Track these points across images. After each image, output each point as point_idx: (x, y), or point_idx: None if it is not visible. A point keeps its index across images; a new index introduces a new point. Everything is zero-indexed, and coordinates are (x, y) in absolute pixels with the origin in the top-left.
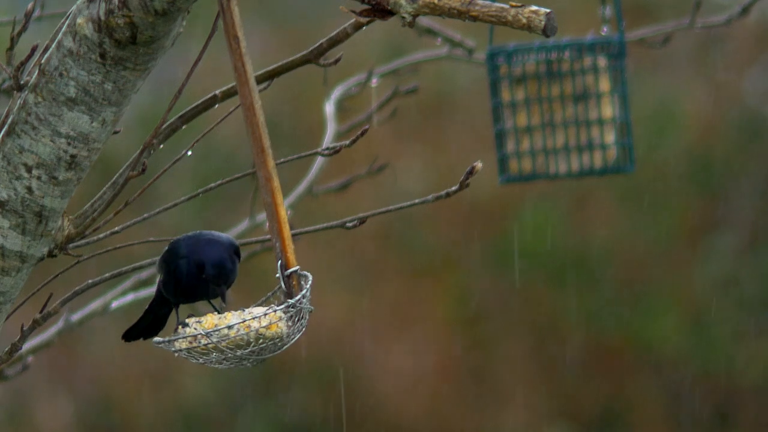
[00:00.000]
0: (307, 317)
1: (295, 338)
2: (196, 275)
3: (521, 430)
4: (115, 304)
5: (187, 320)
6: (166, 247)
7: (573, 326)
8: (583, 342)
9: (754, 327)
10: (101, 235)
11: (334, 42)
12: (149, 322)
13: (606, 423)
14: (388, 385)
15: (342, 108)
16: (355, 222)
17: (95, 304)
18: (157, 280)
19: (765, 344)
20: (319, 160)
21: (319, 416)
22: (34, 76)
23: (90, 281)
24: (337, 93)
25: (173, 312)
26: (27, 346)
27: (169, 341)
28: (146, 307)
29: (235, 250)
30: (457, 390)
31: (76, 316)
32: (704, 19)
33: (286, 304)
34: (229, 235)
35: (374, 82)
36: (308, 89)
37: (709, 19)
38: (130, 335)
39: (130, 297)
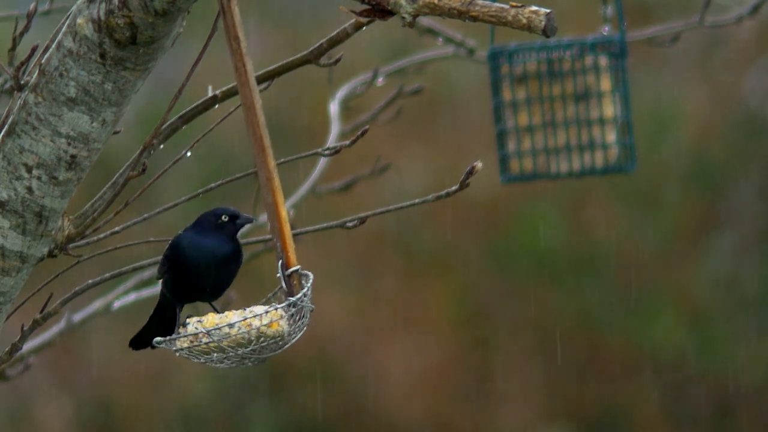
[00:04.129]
0: (308, 316)
1: (297, 337)
2: (215, 225)
3: (521, 430)
4: (117, 304)
5: (187, 320)
6: (169, 245)
7: (573, 326)
8: (583, 342)
9: (754, 327)
10: (101, 235)
11: (334, 42)
12: (156, 328)
13: (606, 423)
14: (388, 384)
15: (346, 107)
16: (356, 222)
17: (97, 304)
18: (160, 283)
19: (765, 344)
20: (322, 160)
21: (319, 416)
22: (34, 76)
23: (90, 281)
24: (342, 93)
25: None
26: (28, 346)
27: (170, 341)
28: (151, 312)
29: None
30: (457, 390)
31: (77, 316)
32: (712, 17)
33: (287, 303)
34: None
35: (380, 81)
36: (309, 89)
37: (719, 18)
38: (137, 343)
39: (131, 297)
